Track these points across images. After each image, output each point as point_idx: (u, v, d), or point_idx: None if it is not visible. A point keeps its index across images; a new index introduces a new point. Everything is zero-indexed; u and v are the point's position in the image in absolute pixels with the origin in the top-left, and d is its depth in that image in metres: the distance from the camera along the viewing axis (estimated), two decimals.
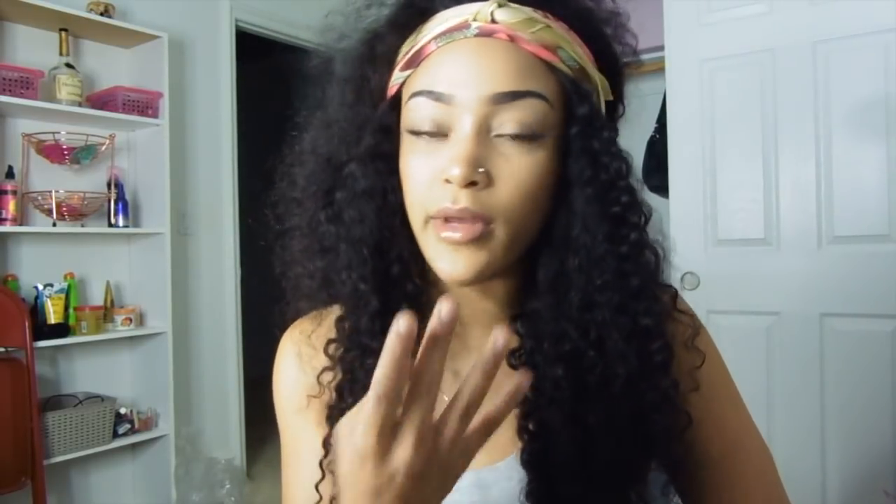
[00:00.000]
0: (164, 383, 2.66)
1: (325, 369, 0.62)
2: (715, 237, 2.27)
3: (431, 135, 0.54)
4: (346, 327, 0.61)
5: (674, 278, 2.28)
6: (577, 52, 0.55)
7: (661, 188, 2.63)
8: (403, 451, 0.39)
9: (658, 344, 0.55)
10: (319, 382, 0.62)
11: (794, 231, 2.14)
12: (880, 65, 2.01)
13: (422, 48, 0.55)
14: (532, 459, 0.56)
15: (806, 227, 2.12)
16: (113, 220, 2.59)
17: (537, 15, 0.54)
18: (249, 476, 3.16)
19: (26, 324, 2.24)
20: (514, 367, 0.58)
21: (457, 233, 0.52)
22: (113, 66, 2.71)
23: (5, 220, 2.29)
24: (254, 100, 3.72)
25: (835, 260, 2.08)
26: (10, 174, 2.35)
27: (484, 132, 0.52)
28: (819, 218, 2.10)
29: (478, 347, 0.62)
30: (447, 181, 0.51)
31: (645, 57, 3.01)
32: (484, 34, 0.53)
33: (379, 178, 0.58)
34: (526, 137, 0.52)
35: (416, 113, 0.54)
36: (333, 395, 0.61)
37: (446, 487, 0.42)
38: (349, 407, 0.58)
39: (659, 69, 2.55)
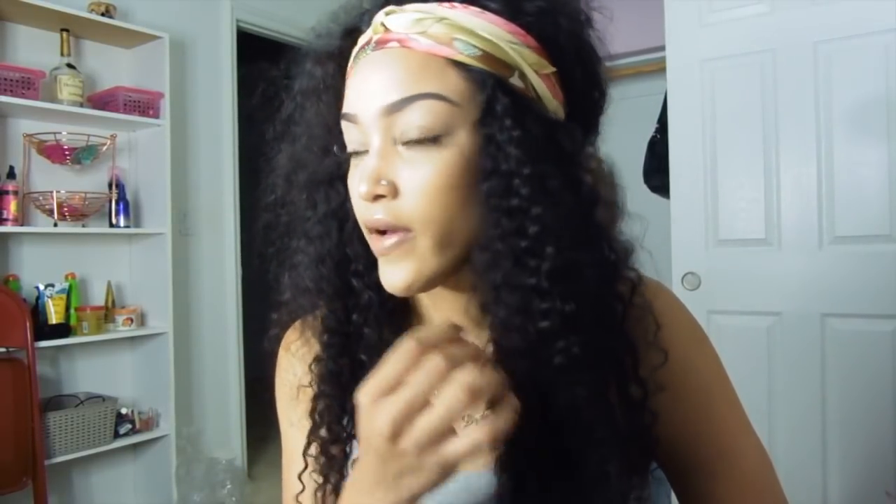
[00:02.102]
0: (165, 383, 2.66)
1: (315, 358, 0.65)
2: (716, 237, 2.27)
3: (359, 153, 0.55)
4: (318, 341, 0.64)
5: (675, 278, 2.28)
6: (481, 37, 0.52)
7: (662, 188, 2.63)
8: (387, 407, 0.43)
9: (562, 344, 0.52)
10: (311, 369, 0.65)
11: (795, 231, 2.14)
12: (881, 65, 2.01)
13: (348, 70, 0.57)
14: (500, 462, 0.55)
15: (807, 227, 2.12)
16: (114, 221, 2.60)
17: (441, 8, 0.52)
18: (250, 476, 3.17)
19: (27, 324, 2.24)
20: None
21: (383, 244, 0.54)
22: (114, 67, 2.71)
23: (7, 220, 2.29)
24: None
25: (836, 260, 2.08)
26: (11, 174, 2.35)
27: (389, 143, 0.53)
28: (820, 218, 2.10)
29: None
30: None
31: (646, 57, 3.03)
32: (380, 46, 0.53)
33: (337, 198, 0.60)
34: (427, 140, 0.51)
35: (345, 135, 0.56)
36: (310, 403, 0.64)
37: (422, 477, 0.45)
38: (322, 422, 0.61)
39: (660, 69, 2.55)
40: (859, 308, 2.05)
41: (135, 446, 2.72)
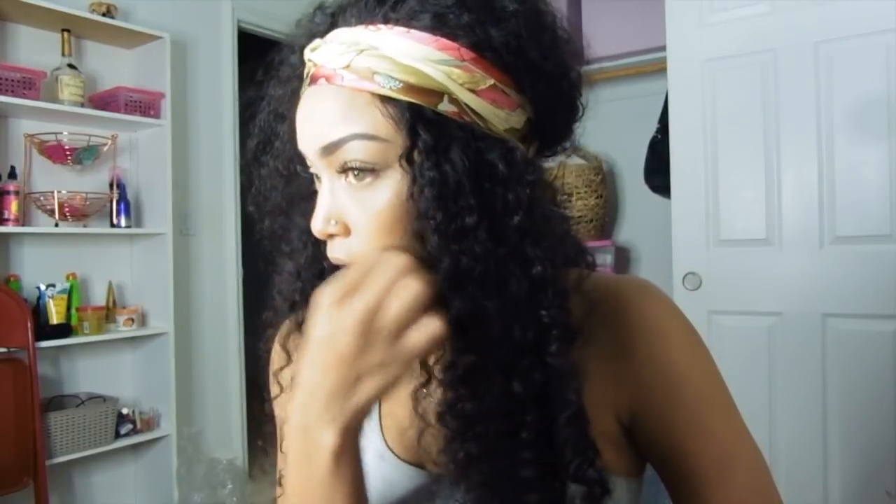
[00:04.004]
0: (165, 383, 2.66)
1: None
2: (717, 237, 2.27)
3: (320, 179, 0.56)
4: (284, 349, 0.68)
5: (676, 278, 2.29)
6: (401, 65, 0.50)
7: (663, 188, 2.63)
8: (355, 305, 0.47)
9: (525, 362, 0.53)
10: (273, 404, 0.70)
11: (797, 231, 2.14)
12: (882, 65, 2.01)
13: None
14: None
15: (808, 227, 2.12)
16: (115, 221, 2.60)
17: (366, 32, 0.51)
18: (251, 476, 3.16)
19: (28, 324, 2.24)
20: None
21: None
22: (115, 67, 2.72)
23: (8, 220, 2.29)
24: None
25: (837, 260, 2.08)
26: (12, 174, 2.35)
27: (335, 179, 0.54)
28: (821, 218, 2.10)
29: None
30: None
31: (646, 57, 3.03)
32: (313, 82, 0.54)
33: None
34: (365, 176, 0.52)
35: (307, 161, 0.57)
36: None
37: (386, 372, 0.48)
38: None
39: (660, 69, 2.55)
40: (860, 308, 2.05)
41: (136, 446, 2.72)
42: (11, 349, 2.27)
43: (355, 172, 0.52)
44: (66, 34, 2.44)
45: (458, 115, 0.51)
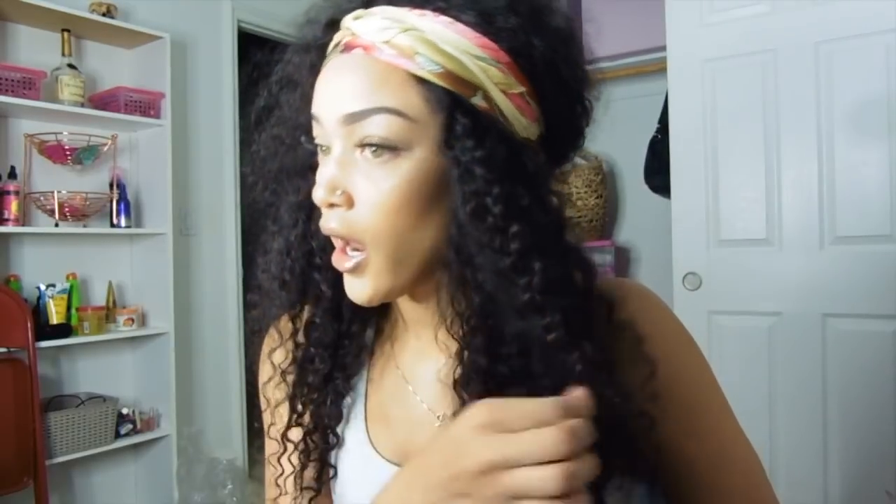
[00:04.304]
0: (166, 383, 2.66)
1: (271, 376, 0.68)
2: (717, 237, 2.27)
3: (325, 152, 0.56)
4: (282, 331, 0.66)
5: (676, 278, 2.28)
6: (444, 52, 0.50)
7: (664, 188, 2.63)
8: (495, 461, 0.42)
9: (570, 356, 0.51)
10: (265, 397, 0.68)
11: (797, 231, 2.14)
12: (882, 65, 2.01)
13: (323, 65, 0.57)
14: None
15: (808, 228, 2.12)
16: (115, 221, 2.60)
17: (411, 15, 0.51)
18: (251, 476, 3.16)
19: (28, 324, 2.24)
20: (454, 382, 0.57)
21: (342, 264, 0.55)
22: (115, 67, 2.72)
23: (8, 220, 2.29)
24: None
25: (837, 260, 2.08)
26: (12, 174, 2.35)
27: (349, 151, 0.53)
28: (821, 218, 2.10)
29: (445, 347, 0.62)
30: None
31: (647, 57, 3.03)
32: (346, 49, 0.53)
33: (308, 189, 0.60)
34: (385, 150, 0.51)
35: (314, 130, 0.56)
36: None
37: None
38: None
39: (661, 69, 2.55)
40: (860, 308, 2.05)
41: (136, 446, 2.72)
42: (11, 349, 2.27)
43: (373, 148, 0.52)
44: (66, 34, 2.44)
45: (488, 111, 0.51)
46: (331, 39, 0.57)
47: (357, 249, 0.54)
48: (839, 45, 2.06)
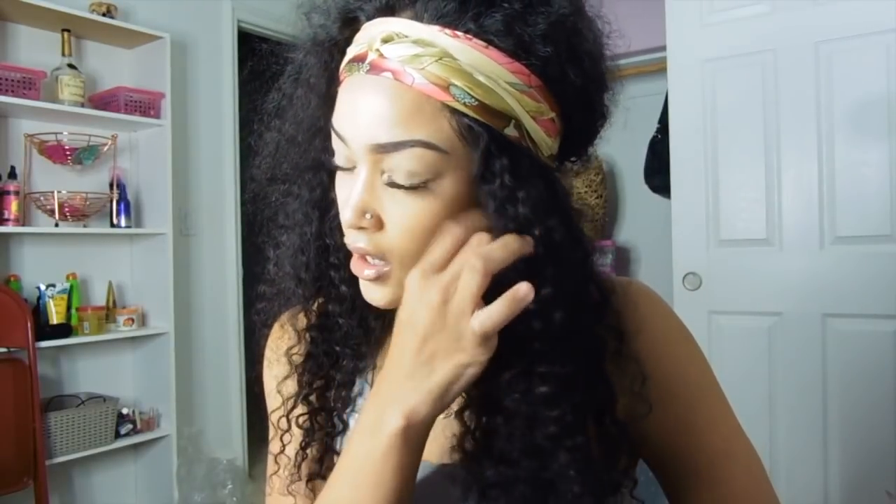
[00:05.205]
0: (166, 383, 2.67)
1: (285, 377, 0.67)
2: (717, 237, 2.27)
3: (346, 169, 0.55)
4: (297, 328, 0.66)
5: (676, 278, 2.28)
6: (479, 83, 0.49)
7: (664, 188, 2.63)
8: (436, 281, 0.50)
9: (555, 413, 0.51)
10: (279, 392, 0.67)
11: (797, 231, 2.14)
12: (882, 65, 2.01)
13: (341, 71, 0.55)
14: (473, 462, 0.55)
15: (808, 228, 2.12)
16: (115, 221, 2.60)
17: (442, 35, 0.49)
18: (251, 476, 3.16)
19: (28, 324, 2.25)
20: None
21: (360, 271, 0.55)
22: (115, 67, 2.72)
23: (8, 220, 2.29)
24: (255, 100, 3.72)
25: (837, 260, 2.08)
26: (12, 174, 2.35)
27: (377, 175, 0.52)
28: (821, 218, 2.10)
29: None
30: None
31: (647, 57, 3.02)
32: (374, 71, 0.50)
33: (321, 187, 0.61)
34: (410, 187, 0.51)
35: (334, 143, 0.55)
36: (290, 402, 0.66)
37: (458, 356, 0.49)
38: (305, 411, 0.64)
39: (661, 69, 2.55)
40: (860, 308, 2.05)
41: (136, 446, 2.72)
42: (11, 349, 2.27)
43: (402, 185, 0.51)
44: (66, 34, 2.44)
45: (518, 139, 0.51)
46: (346, 38, 0.55)
47: (379, 259, 0.54)
48: (839, 45, 2.06)
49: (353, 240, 0.54)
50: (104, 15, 2.53)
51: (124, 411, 2.59)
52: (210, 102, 3.05)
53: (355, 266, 0.56)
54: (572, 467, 0.52)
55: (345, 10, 0.55)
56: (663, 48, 2.40)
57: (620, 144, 3.21)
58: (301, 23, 0.61)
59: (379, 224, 0.53)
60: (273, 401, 0.70)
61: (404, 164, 0.50)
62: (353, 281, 0.59)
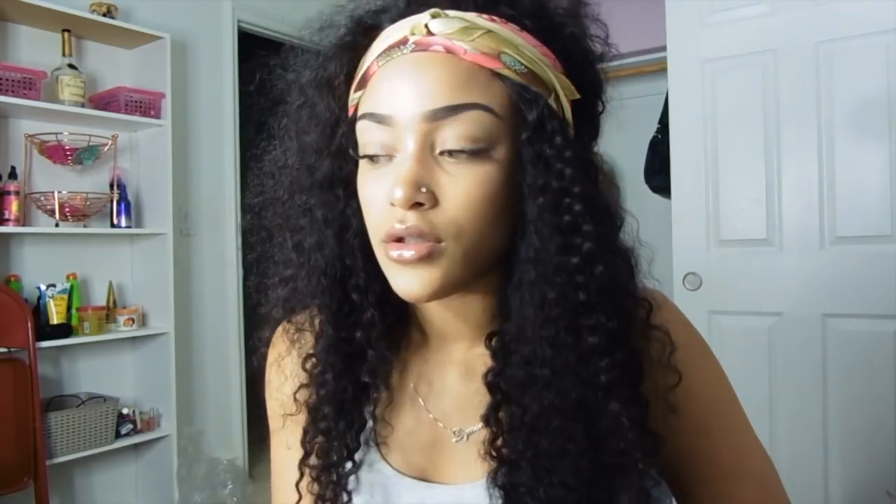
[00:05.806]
0: (166, 384, 2.67)
1: (301, 386, 0.64)
2: (717, 237, 2.27)
3: (380, 157, 0.53)
4: (313, 355, 0.63)
5: (676, 278, 2.27)
6: (525, 54, 0.52)
7: (664, 188, 2.63)
8: None
9: (606, 362, 0.52)
10: (296, 399, 0.64)
11: (797, 231, 2.14)
12: (882, 65, 2.00)
13: (367, 68, 0.54)
14: (501, 481, 0.55)
15: (808, 228, 2.12)
16: (115, 221, 2.60)
17: (481, 19, 0.52)
18: (252, 476, 3.16)
19: (29, 324, 2.25)
20: (489, 385, 0.56)
21: (407, 251, 0.51)
22: (115, 67, 2.72)
23: (8, 220, 2.29)
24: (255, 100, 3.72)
25: (837, 260, 2.08)
26: (12, 175, 2.35)
27: (427, 150, 0.51)
28: (821, 218, 2.10)
29: (461, 361, 0.62)
30: (393, 204, 0.51)
31: (647, 57, 3.02)
32: (421, 48, 0.51)
33: (337, 204, 0.58)
34: (470, 152, 0.50)
35: (363, 136, 0.54)
36: (307, 415, 0.63)
37: None
38: (322, 443, 0.61)
39: (661, 69, 2.55)
40: (860, 308, 2.05)
41: (136, 446, 2.72)
42: (12, 349, 2.27)
43: (458, 150, 0.50)
44: (66, 34, 2.45)
45: (559, 113, 0.54)
46: (366, 42, 0.56)
47: (431, 240, 0.51)
48: (839, 45, 2.06)
49: (395, 220, 0.51)
50: (104, 15, 2.53)
51: (124, 411, 2.59)
52: (210, 102, 3.05)
53: (391, 249, 0.52)
54: (624, 415, 0.52)
55: (366, 20, 0.57)
56: (663, 48, 2.39)
57: (620, 144, 3.20)
58: (312, 35, 0.61)
59: (433, 200, 0.51)
60: (289, 423, 0.67)
61: (462, 129, 0.50)
62: (378, 303, 0.58)
